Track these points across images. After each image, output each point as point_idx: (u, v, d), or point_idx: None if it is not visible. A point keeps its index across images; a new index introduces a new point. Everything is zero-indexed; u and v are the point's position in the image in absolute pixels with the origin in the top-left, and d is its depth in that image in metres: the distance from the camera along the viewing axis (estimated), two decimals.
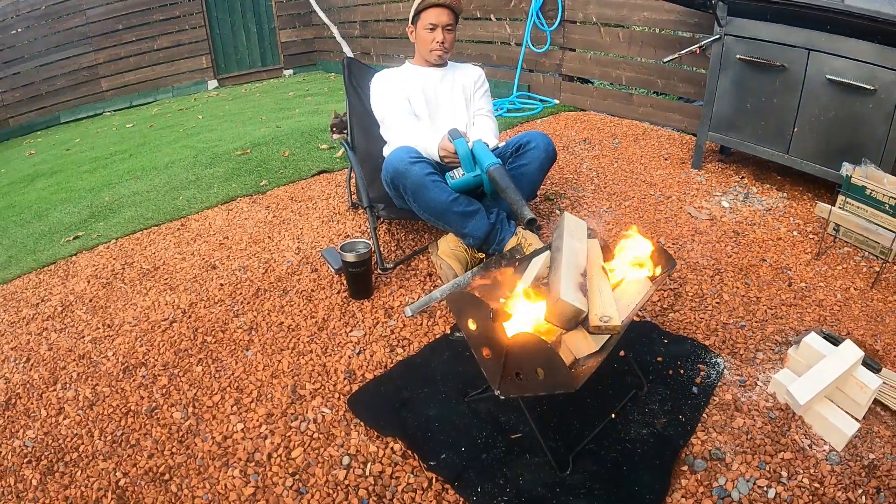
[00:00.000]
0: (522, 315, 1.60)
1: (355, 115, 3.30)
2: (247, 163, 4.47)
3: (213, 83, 8.64)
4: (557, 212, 3.40)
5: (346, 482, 1.83)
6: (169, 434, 2.06)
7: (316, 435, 2.00)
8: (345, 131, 3.33)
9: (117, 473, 1.93)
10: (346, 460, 1.90)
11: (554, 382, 1.48)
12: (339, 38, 8.38)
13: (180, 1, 8.22)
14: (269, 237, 3.31)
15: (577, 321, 1.52)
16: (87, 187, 4.59)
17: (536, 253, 1.88)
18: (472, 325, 1.60)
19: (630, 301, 1.71)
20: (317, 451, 1.94)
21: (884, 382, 1.99)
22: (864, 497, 1.70)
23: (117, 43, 8.02)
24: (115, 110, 8.07)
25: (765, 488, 1.72)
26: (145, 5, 8.07)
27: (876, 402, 2.01)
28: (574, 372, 1.48)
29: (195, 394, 2.23)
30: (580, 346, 1.55)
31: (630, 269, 1.80)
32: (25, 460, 2.01)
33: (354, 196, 3.26)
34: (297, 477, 1.86)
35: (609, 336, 1.58)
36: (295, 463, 1.91)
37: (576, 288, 1.51)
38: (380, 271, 2.83)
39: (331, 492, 1.81)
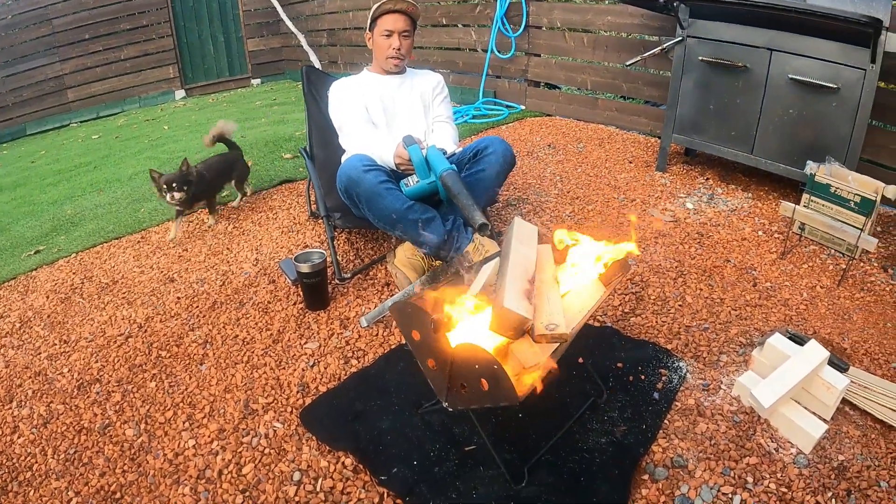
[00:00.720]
0: (468, 324, 1.55)
1: (314, 124, 3.26)
2: None
3: (180, 93, 8.54)
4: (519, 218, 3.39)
5: (297, 499, 1.78)
6: (121, 452, 2.01)
7: (267, 450, 1.95)
8: (185, 188, 3.24)
9: (69, 493, 1.88)
10: (296, 476, 1.85)
11: (498, 395, 1.44)
12: (306, 47, 8.34)
13: (147, 10, 8.12)
14: (227, 248, 3.26)
15: (523, 329, 1.48)
16: (50, 200, 4.52)
17: (487, 260, 1.84)
18: (416, 336, 1.55)
19: (582, 307, 1.67)
20: (268, 467, 1.89)
21: (852, 381, 1.98)
22: (834, 500, 1.68)
23: (84, 53, 7.91)
24: (81, 121, 7.96)
25: (730, 495, 1.69)
26: (112, 14, 7.95)
27: (845, 401, 1.99)
28: (519, 384, 1.43)
29: (148, 410, 2.18)
30: (527, 356, 1.51)
31: (582, 273, 1.76)
32: None
33: (315, 205, 3.21)
34: (247, 494, 1.81)
35: (558, 345, 1.54)
36: (246, 479, 1.86)
37: (521, 295, 1.47)
38: (337, 281, 2.78)
39: None
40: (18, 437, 2.12)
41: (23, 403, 2.29)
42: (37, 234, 3.87)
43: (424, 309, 1.47)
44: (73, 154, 6.13)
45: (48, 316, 2.83)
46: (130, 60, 8.18)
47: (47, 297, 2.98)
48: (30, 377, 2.42)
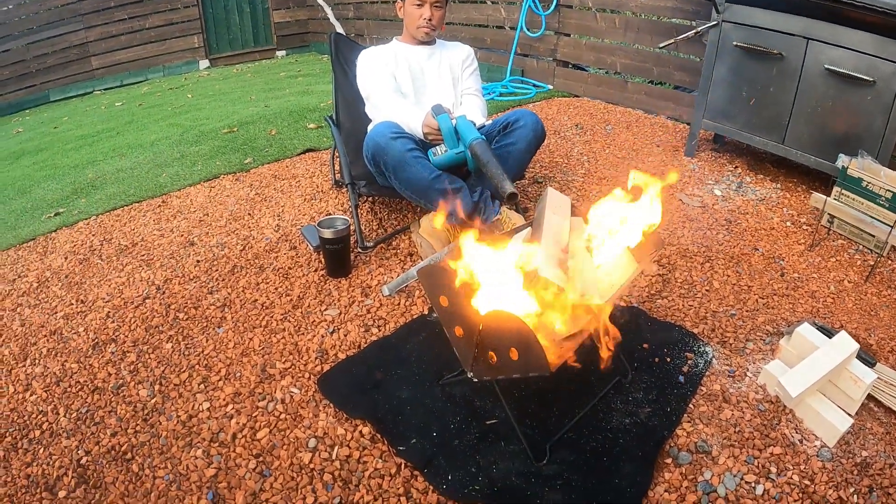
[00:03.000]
0: (498, 292, 1.51)
1: (341, 93, 3.22)
2: (233, 141, 4.39)
3: (204, 63, 8.52)
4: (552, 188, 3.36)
5: (312, 466, 1.76)
6: (134, 412, 1.99)
7: (283, 416, 1.93)
8: None
9: (80, 451, 1.86)
10: (312, 443, 1.82)
11: (528, 365, 1.40)
12: (332, 20, 8.28)
13: None
14: (249, 214, 3.23)
15: (556, 298, 1.43)
16: (72, 164, 4.52)
17: (518, 230, 1.79)
18: (444, 302, 1.51)
19: (614, 282, 1.63)
20: (283, 433, 1.87)
21: (878, 377, 1.93)
22: (856, 496, 1.64)
23: (109, 21, 7.89)
24: (105, 89, 7.96)
25: (752, 484, 1.66)
26: None
27: (869, 397, 1.95)
28: (550, 355, 1.39)
29: (163, 371, 2.16)
30: (559, 328, 1.47)
31: (615, 246, 1.71)
32: None
33: (339, 174, 3.18)
34: (260, 459, 1.79)
35: (590, 317, 1.49)
36: (260, 444, 1.84)
37: (555, 264, 1.43)
38: (360, 250, 2.75)
39: (295, 475, 1.74)
40: (31, 395, 2.11)
41: (36, 361, 2.27)
42: (57, 196, 3.86)
43: (454, 273, 1.43)
44: (95, 120, 6.14)
45: (66, 276, 2.82)
46: (155, 29, 8.16)
47: (66, 258, 2.97)
48: (45, 336, 2.41)
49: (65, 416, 2.00)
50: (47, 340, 2.38)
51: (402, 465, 1.74)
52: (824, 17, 3.03)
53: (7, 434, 1.95)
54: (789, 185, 3.50)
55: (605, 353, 1.52)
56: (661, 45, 4.27)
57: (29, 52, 7.62)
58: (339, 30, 8.13)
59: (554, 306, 1.42)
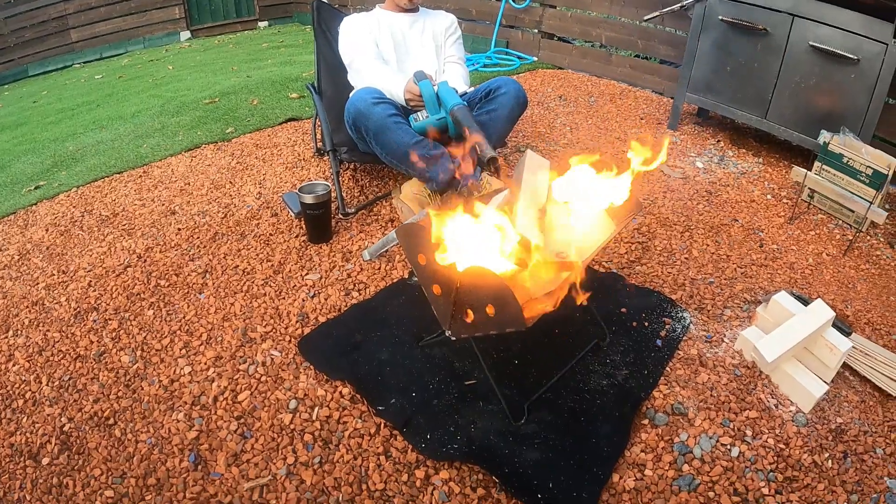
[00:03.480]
0: (475, 250, 1.52)
1: (323, 60, 3.19)
2: (214, 111, 4.34)
3: (185, 34, 8.38)
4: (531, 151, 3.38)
5: (292, 426, 1.77)
6: (116, 378, 2.00)
7: (264, 378, 1.94)
8: None
9: (62, 419, 1.87)
10: (293, 404, 1.84)
11: (504, 320, 1.41)
12: None
13: None
14: (230, 182, 3.21)
15: (532, 257, 1.44)
16: (52, 138, 4.45)
17: (496, 192, 1.80)
18: (422, 261, 1.52)
19: (592, 241, 1.64)
20: (264, 395, 1.88)
21: (854, 347, 1.97)
22: (830, 461, 1.68)
23: None
24: (84, 62, 7.81)
25: (728, 446, 1.69)
26: None
27: (845, 366, 1.99)
28: (527, 311, 1.40)
29: (144, 337, 2.16)
30: (536, 285, 1.48)
31: (593, 207, 1.72)
32: None
33: (320, 142, 3.16)
34: (241, 421, 1.81)
35: (567, 275, 1.51)
36: (241, 406, 1.85)
37: (532, 222, 1.43)
38: (341, 216, 2.75)
39: (275, 436, 1.75)
40: (13, 365, 2.10)
41: (19, 332, 2.26)
42: (37, 170, 3.80)
43: (431, 232, 1.43)
44: (75, 94, 6.04)
45: (47, 248, 2.79)
46: (135, 0, 8.03)
47: (46, 230, 2.94)
48: (27, 307, 2.39)
49: (47, 384, 2.00)
50: (29, 311, 2.37)
51: (382, 425, 1.75)
52: None
53: None
54: (771, 160, 3.53)
55: (579, 300, 1.53)
56: (647, 17, 4.26)
57: (7, 27, 7.45)
58: None
59: (530, 263, 1.43)
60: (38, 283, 2.53)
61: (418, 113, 2.58)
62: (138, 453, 1.74)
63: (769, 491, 1.59)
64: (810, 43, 3.08)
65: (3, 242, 2.91)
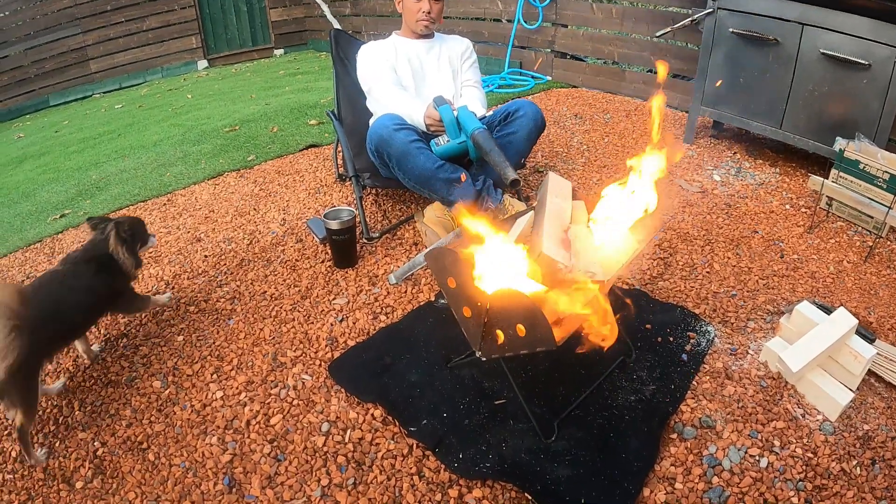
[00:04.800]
0: (504, 272, 1.55)
1: (342, 87, 3.26)
2: (235, 139, 4.42)
3: (202, 63, 8.54)
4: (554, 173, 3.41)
5: (325, 449, 1.80)
6: (148, 403, 2.03)
7: (296, 402, 1.97)
8: (138, 245, 2.20)
9: (95, 443, 1.90)
10: (325, 427, 1.87)
11: (535, 340, 1.44)
12: (329, 17, 8.29)
13: None
14: (254, 209, 3.27)
15: (560, 277, 1.47)
16: (75, 167, 4.54)
17: (520, 214, 1.83)
18: (451, 284, 1.55)
19: (618, 259, 1.67)
20: (296, 418, 1.91)
21: (878, 353, 1.96)
22: (858, 468, 1.68)
23: (106, 24, 7.90)
24: (104, 92, 7.97)
25: (757, 457, 1.70)
26: None
27: (870, 373, 1.98)
28: (556, 331, 1.43)
29: (175, 363, 2.20)
30: (564, 304, 1.51)
31: (617, 228, 1.75)
32: (6, 433, 1.98)
33: (342, 167, 3.21)
34: (275, 444, 1.83)
35: (594, 293, 1.53)
36: (273, 430, 1.88)
37: (558, 243, 1.46)
38: (365, 241, 2.79)
39: (309, 458, 1.78)
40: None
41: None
42: (62, 198, 3.88)
43: (461, 255, 1.47)
44: (96, 123, 6.15)
45: None
46: (153, 31, 8.17)
47: None
48: None
49: (79, 409, 2.04)
50: None
51: (414, 446, 1.78)
52: (819, 2, 3.05)
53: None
54: (788, 170, 3.53)
55: (606, 330, 1.56)
56: (658, 33, 4.28)
57: (27, 58, 7.62)
58: (336, 26, 8.14)
59: (557, 283, 1.46)
60: None
61: (439, 138, 2.62)
62: (172, 477, 1.77)
63: (799, 500, 1.59)
64: (821, 51, 3.09)
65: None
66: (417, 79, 2.98)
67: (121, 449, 1.88)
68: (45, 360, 1.95)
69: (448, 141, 2.59)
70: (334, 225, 2.53)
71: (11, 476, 1.82)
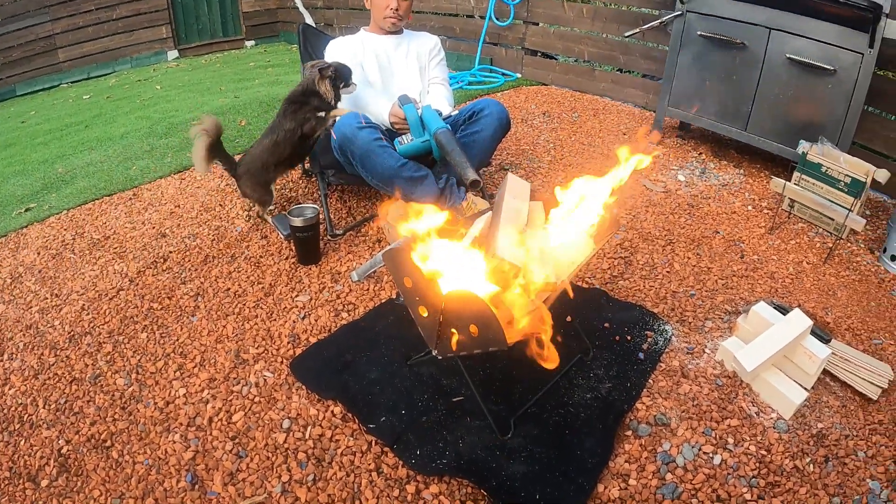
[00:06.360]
0: (459, 273, 1.57)
1: None
2: None
3: (173, 53, 8.41)
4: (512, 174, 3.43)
5: (286, 445, 1.82)
6: (112, 401, 2.03)
7: (257, 399, 1.98)
8: (340, 84, 2.75)
9: (60, 441, 1.90)
10: (286, 424, 1.88)
11: (487, 340, 1.46)
12: (301, 9, 8.20)
13: None
14: (220, 205, 3.25)
15: (513, 278, 1.50)
16: (41, 159, 4.46)
17: (479, 214, 1.86)
18: (408, 283, 1.57)
19: (572, 261, 1.69)
20: (258, 415, 1.92)
21: (833, 353, 2.01)
22: (812, 465, 1.72)
23: (75, 12, 7.73)
24: (72, 82, 7.82)
25: (710, 454, 1.74)
26: None
27: (826, 372, 2.03)
28: (509, 331, 1.46)
29: (139, 360, 2.20)
30: (517, 305, 1.53)
31: (574, 229, 1.78)
32: None
33: (308, 163, 3.21)
34: (237, 441, 1.85)
35: (548, 295, 1.56)
36: (235, 427, 1.89)
37: (513, 245, 1.49)
38: (329, 237, 2.80)
39: (270, 455, 1.79)
40: (9, 389, 2.13)
41: (14, 356, 2.29)
42: (27, 192, 3.82)
43: (417, 256, 1.49)
44: (63, 114, 6.04)
45: (39, 271, 2.82)
46: (123, 20, 8.01)
47: (38, 254, 2.96)
48: (21, 330, 2.42)
49: (44, 407, 2.03)
50: (23, 335, 2.40)
51: (373, 443, 1.80)
52: (787, 8, 3.11)
53: None
54: (752, 171, 3.59)
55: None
56: (627, 34, 4.34)
57: None
58: (308, 19, 8.05)
59: (511, 285, 1.49)
60: (31, 307, 2.56)
61: (403, 136, 2.64)
62: (136, 474, 1.78)
63: (752, 497, 1.63)
64: (787, 55, 3.15)
65: None
66: (385, 75, 2.99)
67: (85, 447, 1.88)
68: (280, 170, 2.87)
69: (412, 140, 2.60)
70: (298, 222, 2.54)
71: None
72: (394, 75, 3.01)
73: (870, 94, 3.00)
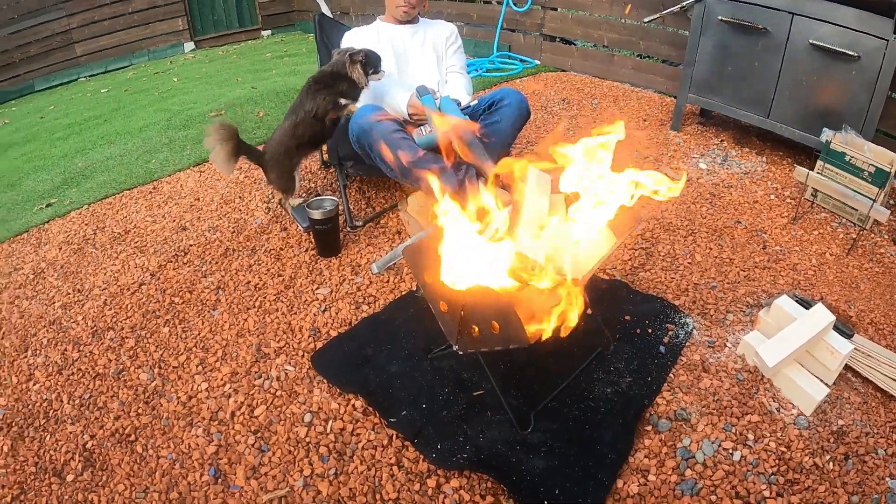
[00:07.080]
0: (480, 268, 1.56)
1: None
2: None
3: (189, 45, 8.43)
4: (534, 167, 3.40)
5: (308, 439, 1.83)
6: (135, 395, 2.06)
7: (279, 393, 1.99)
8: (370, 70, 2.75)
9: (85, 436, 1.93)
10: (307, 417, 1.89)
11: (508, 337, 1.46)
12: None
13: None
14: (240, 197, 3.27)
15: (534, 275, 1.49)
16: (61, 154, 4.50)
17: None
18: (428, 279, 1.57)
19: (593, 256, 1.68)
20: (279, 409, 1.94)
21: (855, 349, 1.98)
22: (831, 463, 1.70)
23: (91, 7, 7.75)
24: (89, 76, 7.86)
25: (730, 451, 1.73)
26: None
27: (847, 368, 2.01)
28: (530, 328, 1.45)
29: (161, 355, 2.22)
30: (538, 301, 1.52)
31: (594, 222, 1.76)
32: None
33: (326, 155, 3.21)
34: (259, 435, 1.86)
35: (569, 291, 1.55)
36: (257, 421, 1.90)
37: (533, 241, 1.48)
38: (349, 229, 2.80)
39: (292, 449, 1.81)
40: (34, 385, 2.16)
41: (38, 352, 2.32)
42: (48, 187, 3.85)
43: (438, 251, 1.48)
44: (82, 108, 6.08)
45: (61, 266, 2.85)
46: (139, 13, 8.03)
47: (60, 249, 3.00)
48: (44, 326, 2.46)
49: (68, 402, 2.06)
50: (47, 331, 2.43)
51: (394, 436, 1.81)
52: None
53: (13, 424, 2.01)
54: (774, 159, 3.54)
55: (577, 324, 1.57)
56: (648, 18, 4.28)
57: (11, 43, 7.47)
58: (324, 8, 8.02)
59: (532, 280, 1.48)
60: (54, 303, 2.59)
61: (422, 128, 2.62)
62: (160, 468, 1.80)
63: (770, 494, 1.62)
64: (810, 41, 3.09)
65: (17, 261, 2.97)
66: (401, 64, 2.98)
67: (109, 442, 1.90)
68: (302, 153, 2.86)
69: (430, 131, 2.59)
70: (317, 214, 2.54)
71: (3, 470, 1.85)
72: (410, 65, 2.99)
73: (894, 82, 2.93)
